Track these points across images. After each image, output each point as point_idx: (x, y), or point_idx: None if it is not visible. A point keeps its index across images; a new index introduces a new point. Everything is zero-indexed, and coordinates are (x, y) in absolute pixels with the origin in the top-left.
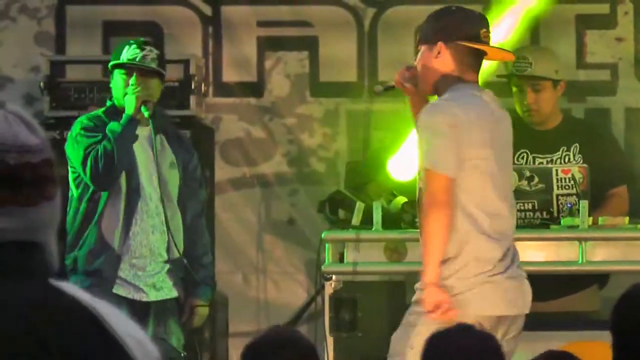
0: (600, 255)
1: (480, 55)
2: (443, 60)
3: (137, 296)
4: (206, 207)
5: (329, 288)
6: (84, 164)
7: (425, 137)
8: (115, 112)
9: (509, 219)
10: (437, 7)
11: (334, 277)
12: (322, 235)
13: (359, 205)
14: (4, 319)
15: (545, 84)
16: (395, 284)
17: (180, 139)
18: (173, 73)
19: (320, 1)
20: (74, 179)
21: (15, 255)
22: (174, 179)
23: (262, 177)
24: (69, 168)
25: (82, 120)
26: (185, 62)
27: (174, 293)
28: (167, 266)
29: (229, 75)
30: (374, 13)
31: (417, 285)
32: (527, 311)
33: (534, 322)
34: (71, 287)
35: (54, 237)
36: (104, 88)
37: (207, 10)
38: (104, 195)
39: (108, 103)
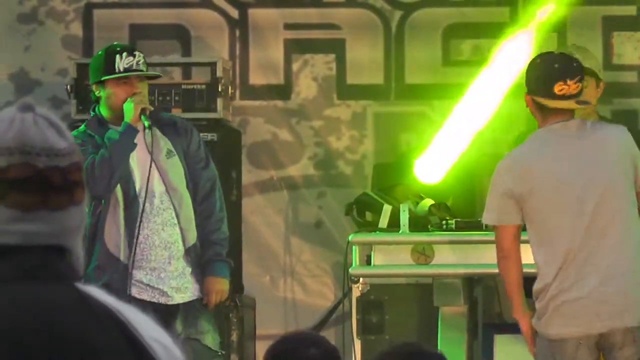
0: None
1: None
2: (531, 109)
3: (162, 299)
4: (218, 184)
5: (356, 291)
6: None
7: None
8: (99, 123)
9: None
10: (463, 10)
11: (361, 279)
12: (350, 238)
13: (386, 208)
14: (30, 322)
15: (589, 80)
16: (423, 286)
17: (174, 126)
18: (200, 76)
19: (348, 4)
20: None
21: (43, 259)
22: (175, 167)
23: (289, 180)
24: None
25: None
26: (212, 65)
27: (199, 293)
28: (189, 269)
29: (256, 78)
30: (401, 15)
31: None
32: None
33: None
34: (98, 291)
35: (80, 242)
36: None
37: (234, 13)
38: (102, 208)
39: (91, 114)
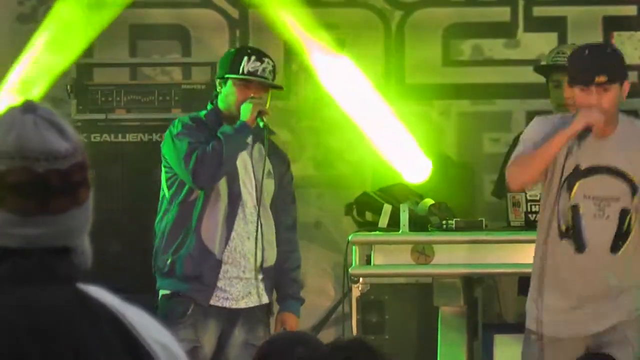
0: None
1: None
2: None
3: (226, 304)
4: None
5: (356, 291)
6: (187, 157)
7: None
8: (216, 115)
9: None
10: (463, 10)
11: (361, 279)
12: (349, 238)
13: (386, 208)
14: (24, 324)
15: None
16: (423, 286)
17: (277, 151)
18: (200, 76)
19: (347, 4)
20: (167, 179)
21: (42, 262)
22: (269, 188)
23: None
24: (163, 168)
25: (184, 119)
26: (212, 65)
27: (265, 299)
28: (261, 275)
29: None
30: (401, 15)
31: None
32: None
33: None
34: (98, 292)
35: (85, 239)
36: (131, 91)
37: (235, 13)
38: (200, 199)
39: (209, 106)
